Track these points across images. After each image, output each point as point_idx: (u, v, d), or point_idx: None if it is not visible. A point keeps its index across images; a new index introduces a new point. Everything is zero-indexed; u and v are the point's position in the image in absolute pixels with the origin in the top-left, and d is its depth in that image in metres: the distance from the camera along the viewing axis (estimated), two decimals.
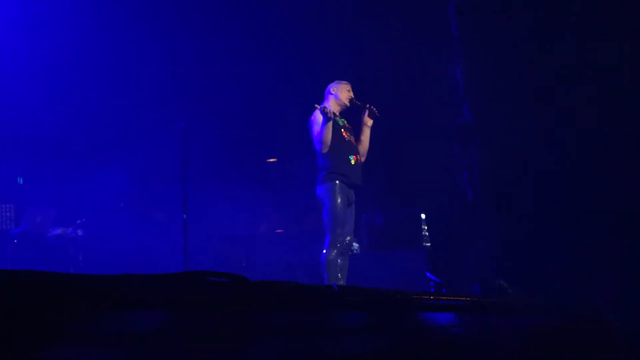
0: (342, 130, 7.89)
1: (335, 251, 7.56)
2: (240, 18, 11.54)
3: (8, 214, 10.72)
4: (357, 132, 8.04)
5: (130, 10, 11.40)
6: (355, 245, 10.34)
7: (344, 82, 8.15)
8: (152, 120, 11.42)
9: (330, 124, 7.64)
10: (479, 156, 9.73)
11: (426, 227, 10.26)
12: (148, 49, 11.49)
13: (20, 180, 11.66)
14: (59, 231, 10.77)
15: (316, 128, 7.79)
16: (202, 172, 10.79)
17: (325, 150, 7.73)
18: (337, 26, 11.10)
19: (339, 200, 7.65)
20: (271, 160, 11.32)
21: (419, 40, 10.56)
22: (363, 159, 7.98)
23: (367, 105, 8.03)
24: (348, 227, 7.74)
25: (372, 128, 8.08)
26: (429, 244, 10.15)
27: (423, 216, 10.31)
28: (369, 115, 8.03)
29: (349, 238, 7.71)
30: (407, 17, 10.57)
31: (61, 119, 11.44)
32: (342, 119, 8.02)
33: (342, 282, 7.53)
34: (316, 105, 7.73)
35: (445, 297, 6.33)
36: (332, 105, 7.95)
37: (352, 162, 7.80)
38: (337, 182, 7.68)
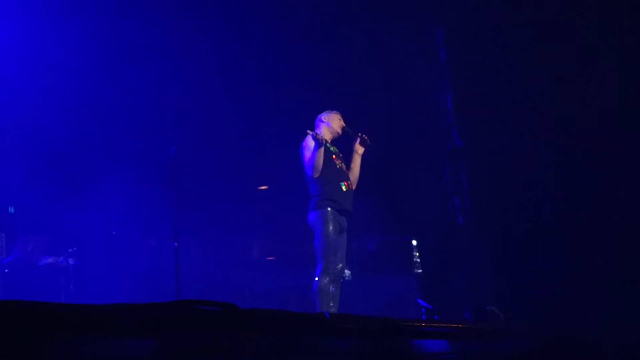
0: (334, 156, 7.94)
1: (327, 278, 7.57)
2: (230, 43, 11.56)
3: None
4: (348, 159, 8.08)
5: (119, 35, 11.41)
6: (347, 272, 10.33)
7: (334, 111, 8.23)
8: (143, 146, 11.41)
9: (321, 149, 7.68)
10: (469, 181, 9.75)
11: (417, 254, 10.27)
12: (138, 75, 11.49)
13: (11, 210, 11.63)
14: (50, 260, 10.72)
15: (307, 153, 7.84)
16: (194, 199, 10.79)
17: (316, 175, 7.78)
18: (328, 53, 11.13)
19: (330, 227, 7.67)
20: (262, 187, 11.32)
21: (408, 66, 10.62)
22: (354, 187, 8.02)
23: (359, 134, 8.09)
24: (340, 254, 7.75)
25: (364, 155, 8.14)
26: (420, 271, 10.15)
27: (414, 242, 10.32)
28: (361, 143, 8.10)
29: (340, 265, 7.72)
30: (397, 44, 10.62)
31: (51, 148, 11.42)
32: (334, 147, 8.07)
33: (333, 310, 7.53)
34: (308, 131, 7.76)
35: (437, 324, 6.34)
36: (323, 133, 8.01)
37: (344, 188, 7.85)
38: (328, 208, 7.71)
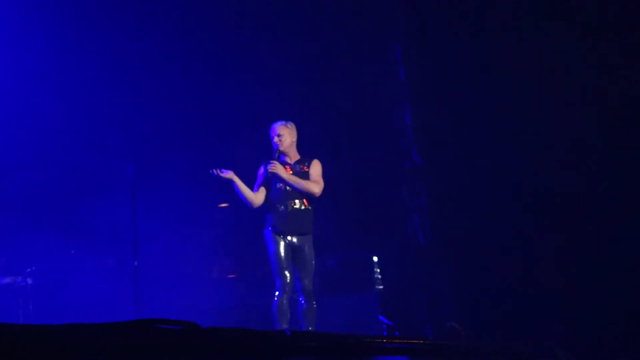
0: (278, 179, 8.06)
1: (283, 296, 7.79)
2: (189, 57, 11.55)
3: None
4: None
5: (73, 49, 11.36)
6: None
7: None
8: (102, 165, 11.34)
9: (241, 187, 8.08)
10: (428, 199, 9.81)
11: (378, 270, 10.28)
12: (95, 91, 11.44)
13: None
14: (7, 280, 10.61)
15: None
16: (153, 218, 10.73)
17: (255, 206, 8.17)
18: (286, 68, 11.16)
19: (273, 248, 7.97)
20: (223, 205, 11.28)
21: (367, 84, 10.66)
22: (307, 205, 8.04)
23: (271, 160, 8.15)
24: (290, 274, 7.90)
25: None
26: (381, 287, 10.16)
27: (375, 259, 10.34)
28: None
29: (285, 280, 7.86)
30: (356, 61, 10.67)
31: (7, 165, 11.31)
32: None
33: (283, 326, 7.68)
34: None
35: (398, 340, 6.35)
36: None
37: (281, 209, 8.02)
38: (268, 229, 8.05)
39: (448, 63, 9.61)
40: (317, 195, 7.98)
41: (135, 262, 8.94)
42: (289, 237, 7.96)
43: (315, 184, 7.99)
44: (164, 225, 11.22)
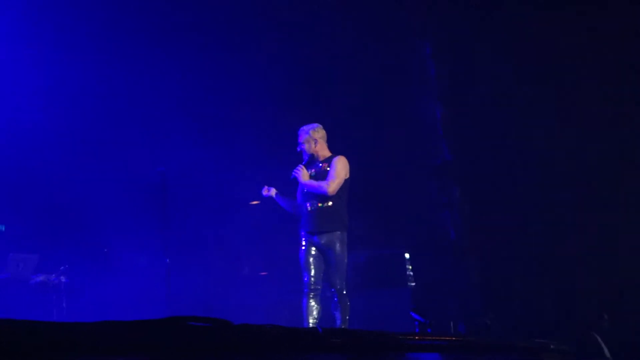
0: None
1: (309, 294, 8.00)
2: (219, 62, 11.58)
3: None
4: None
5: (109, 53, 11.43)
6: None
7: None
8: (133, 164, 11.39)
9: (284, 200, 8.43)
10: (459, 195, 9.76)
11: (410, 267, 10.25)
12: (128, 93, 11.50)
13: (2, 228, 11.59)
14: (41, 278, 10.68)
15: None
16: (185, 215, 10.77)
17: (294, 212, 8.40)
18: (317, 69, 11.15)
19: (300, 246, 8.20)
20: (254, 202, 11.29)
21: (396, 81, 10.63)
22: (328, 203, 8.08)
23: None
24: (316, 272, 7.98)
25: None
26: (413, 284, 10.13)
27: (407, 255, 10.30)
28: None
29: (312, 279, 7.97)
30: (386, 59, 10.64)
31: (41, 166, 11.40)
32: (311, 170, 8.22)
33: (311, 324, 7.78)
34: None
35: (430, 337, 6.32)
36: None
37: (306, 209, 8.15)
38: (299, 229, 8.24)
39: (478, 58, 9.56)
40: (330, 194, 8.02)
41: (167, 260, 8.98)
42: (315, 236, 8.04)
43: (327, 184, 8.05)
44: (196, 222, 11.25)
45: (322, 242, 8.05)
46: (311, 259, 8.05)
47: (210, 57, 11.56)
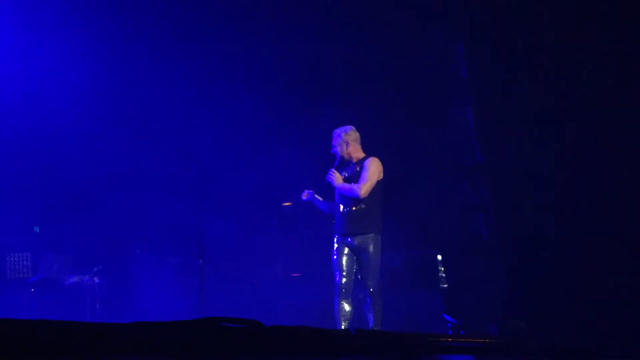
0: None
1: (339, 296, 8.10)
2: (252, 57, 11.60)
3: (25, 262, 10.76)
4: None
5: (144, 53, 11.49)
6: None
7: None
8: (166, 165, 11.45)
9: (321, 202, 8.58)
10: (491, 196, 9.72)
11: (442, 268, 10.22)
12: (161, 92, 11.55)
13: (37, 229, 11.70)
14: (75, 279, 10.78)
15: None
16: (217, 216, 10.80)
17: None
18: (349, 68, 11.14)
19: (334, 248, 8.28)
20: (286, 204, 11.31)
21: (427, 81, 10.60)
22: (361, 206, 8.08)
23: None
24: (347, 273, 8.04)
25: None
26: (445, 285, 10.10)
27: (439, 257, 10.27)
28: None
29: (343, 281, 8.01)
30: (417, 59, 10.61)
31: (76, 167, 11.49)
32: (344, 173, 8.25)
33: (343, 326, 7.80)
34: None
35: (463, 339, 6.29)
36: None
37: (341, 211, 8.25)
38: (334, 231, 8.32)
39: (510, 58, 9.51)
40: (362, 197, 8.05)
41: (200, 261, 9.02)
42: (349, 238, 8.06)
43: (359, 186, 8.07)
44: (228, 223, 11.29)
45: (356, 243, 8.07)
46: (343, 260, 8.09)
47: (252, 57, 11.58)
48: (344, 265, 8.06)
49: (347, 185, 8.11)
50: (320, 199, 8.53)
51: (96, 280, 10.75)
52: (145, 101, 11.48)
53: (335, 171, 8.19)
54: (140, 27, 11.34)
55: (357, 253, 8.08)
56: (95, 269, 10.83)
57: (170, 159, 11.38)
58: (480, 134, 9.92)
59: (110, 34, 11.22)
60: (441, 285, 10.11)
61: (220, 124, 11.66)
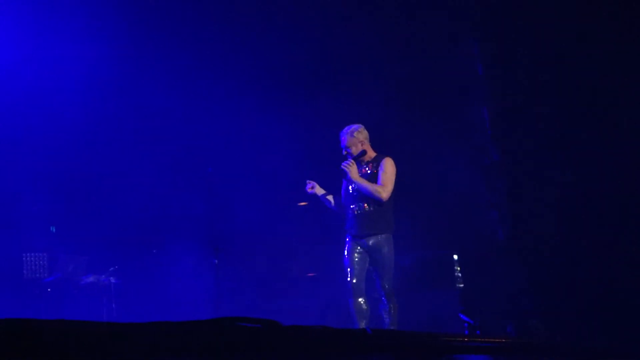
0: (349, 181, 8.14)
1: (353, 295, 8.02)
2: (266, 59, 11.62)
3: (41, 262, 10.80)
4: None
5: (159, 57, 11.52)
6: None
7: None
8: (182, 165, 11.48)
9: (327, 197, 8.46)
10: (507, 195, 9.69)
11: (459, 268, 10.20)
12: (176, 93, 11.58)
13: (53, 229, 11.75)
14: (91, 279, 10.81)
15: None
16: (233, 217, 10.81)
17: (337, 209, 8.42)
18: (364, 68, 11.14)
19: (345, 249, 8.19)
20: (302, 203, 11.32)
21: (442, 80, 10.59)
22: (375, 206, 8.02)
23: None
24: (359, 274, 8.05)
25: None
26: (461, 285, 10.08)
27: (455, 257, 10.25)
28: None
29: (355, 280, 8.01)
30: (433, 57, 10.60)
31: (92, 169, 11.54)
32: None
33: (362, 325, 7.84)
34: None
35: (479, 339, 6.28)
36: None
37: (353, 211, 8.15)
38: (345, 231, 8.25)
39: (527, 58, 9.48)
40: (385, 200, 7.96)
41: (216, 261, 9.03)
42: (362, 239, 8.02)
43: (382, 189, 7.97)
44: (244, 223, 11.30)
45: (370, 244, 8.02)
46: (355, 261, 8.05)
47: (267, 52, 11.59)
48: (356, 265, 8.03)
49: (368, 184, 7.99)
50: (324, 192, 8.44)
51: (112, 280, 10.78)
52: (161, 105, 11.49)
53: (353, 162, 8.04)
54: (152, 24, 11.37)
55: (372, 254, 8.03)
56: (112, 269, 10.86)
57: (187, 160, 11.40)
58: (496, 133, 9.90)
59: (122, 32, 11.24)
60: (457, 285, 10.09)
61: (236, 124, 11.67)
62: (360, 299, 7.97)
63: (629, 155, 8.76)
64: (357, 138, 8.17)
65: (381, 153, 8.26)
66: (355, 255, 8.06)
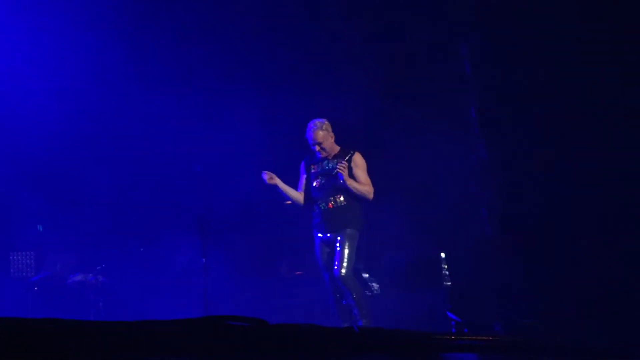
0: (315, 176, 8.09)
1: (332, 292, 8.10)
2: (255, 58, 11.61)
3: (28, 261, 10.77)
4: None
5: (145, 55, 11.50)
6: (376, 285, 10.31)
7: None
8: (170, 164, 11.46)
9: (285, 189, 8.34)
10: (496, 193, 9.71)
11: (446, 266, 10.22)
12: (165, 91, 11.56)
13: (40, 228, 11.72)
14: (79, 277, 10.79)
15: None
16: (221, 215, 10.80)
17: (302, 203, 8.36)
18: (351, 67, 11.14)
19: (315, 247, 8.19)
20: (288, 202, 11.33)
21: (432, 80, 10.60)
22: (341, 201, 7.94)
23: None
24: (335, 260, 7.91)
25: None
26: (449, 283, 10.10)
27: (443, 255, 10.27)
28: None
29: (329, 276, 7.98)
30: (421, 57, 10.61)
31: (80, 166, 11.50)
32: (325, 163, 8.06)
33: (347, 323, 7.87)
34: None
35: (467, 337, 6.30)
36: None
37: (320, 207, 8.09)
38: (313, 228, 8.21)
39: (514, 57, 9.50)
40: (371, 199, 7.92)
41: (204, 259, 9.02)
42: (329, 234, 7.93)
43: (371, 189, 7.98)
44: (232, 222, 11.29)
45: (334, 239, 7.94)
46: (325, 259, 8.04)
47: (255, 58, 11.59)
48: (325, 263, 8.04)
49: (358, 186, 7.92)
50: (283, 184, 8.31)
51: (100, 278, 10.77)
52: (149, 103, 11.47)
53: (346, 163, 7.95)
54: (140, 24, 11.36)
55: (331, 245, 7.96)
56: (99, 267, 10.84)
57: (175, 158, 11.38)
58: (485, 131, 9.92)
59: (112, 29, 11.23)
60: (445, 283, 10.11)
61: (223, 122, 11.64)
62: (340, 296, 7.93)
63: (618, 154, 8.79)
64: (328, 132, 8.09)
65: (345, 147, 8.14)
66: (322, 252, 8.07)
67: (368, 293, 8.16)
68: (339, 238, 7.87)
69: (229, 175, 11.40)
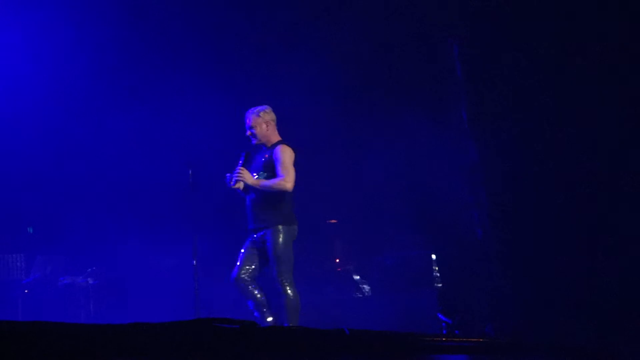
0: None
1: (234, 283, 7.79)
2: (245, 58, 11.60)
3: (18, 263, 10.75)
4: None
5: (137, 56, 11.50)
6: (367, 287, 10.33)
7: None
8: (161, 166, 11.44)
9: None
10: (487, 195, 9.72)
11: (437, 268, 10.23)
12: (157, 94, 11.54)
13: (30, 230, 11.70)
14: (69, 280, 10.78)
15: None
16: (212, 218, 10.80)
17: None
18: (342, 69, 11.14)
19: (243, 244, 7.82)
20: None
21: (423, 81, 10.60)
22: (265, 197, 7.69)
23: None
24: (243, 264, 7.73)
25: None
26: (440, 285, 10.12)
27: (434, 256, 10.29)
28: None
29: (240, 273, 7.72)
30: (412, 58, 10.62)
31: (69, 169, 11.48)
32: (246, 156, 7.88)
33: (266, 316, 7.60)
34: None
35: (457, 339, 6.31)
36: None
37: (247, 203, 7.84)
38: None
39: (505, 59, 9.52)
40: (290, 190, 7.54)
41: (194, 262, 9.01)
42: (254, 234, 7.73)
43: (285, 181, 7.52)
44: (222, 225, 11.28)
45: (260, 238, 7.71)
46: (246, 257, 7.73)
47: (237, 60, 11.58)
48: (244, 259, 7.72)
49: (268, 183, 7.57)
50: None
51: (90, 281, 10.75)
52: (141, 104, 11.45)
53: (243, 169, 7.65)
54: (147, 27, 11.36)
55: (262, 247, 7.69)
56: (89, 270, 10.83)
57: (166, 160, 11.36)
58: (475, 133, 9.93)
59: (104, 28, 11.21)
60: (436, 285, 10.13)
61: (216, 124, 11.63)
62: (249, 292, 7.69)
63: (609, 155, 8.81)
64: (263, 118, 7.77)
65: (284, 140, 7.88)
66: (249, 250, 7.75)
67: (359, 295, 8.08)
68: (269, 238, 7.58)
69: (220, 176, 11.39)
